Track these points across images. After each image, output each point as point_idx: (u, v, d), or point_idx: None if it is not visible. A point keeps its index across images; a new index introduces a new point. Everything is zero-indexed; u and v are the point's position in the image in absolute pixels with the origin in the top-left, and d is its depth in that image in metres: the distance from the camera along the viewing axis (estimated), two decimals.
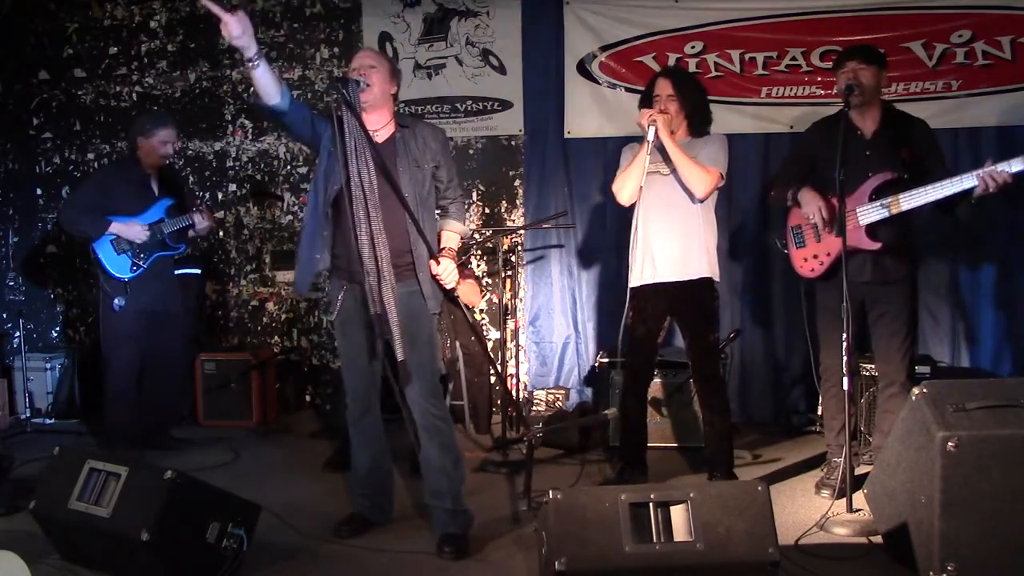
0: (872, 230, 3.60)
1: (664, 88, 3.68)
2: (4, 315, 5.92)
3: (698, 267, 3.65)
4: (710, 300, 3.70)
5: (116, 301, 4.40)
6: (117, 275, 4.41)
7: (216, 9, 2.79)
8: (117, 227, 4.41)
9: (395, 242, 3.11)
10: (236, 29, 2.80)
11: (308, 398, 5.73)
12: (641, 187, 3.59)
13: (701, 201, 3.63)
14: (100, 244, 4.41)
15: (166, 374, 4.67)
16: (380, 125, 3.18)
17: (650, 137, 3.57)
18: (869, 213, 3.58)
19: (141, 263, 4.45)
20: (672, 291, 3.67)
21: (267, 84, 2.96)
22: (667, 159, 3.61)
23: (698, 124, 3.72)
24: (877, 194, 3.58)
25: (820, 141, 3.76)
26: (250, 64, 2.89)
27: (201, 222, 4.62)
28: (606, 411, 4.09)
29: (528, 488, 3.56)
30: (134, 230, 4.43)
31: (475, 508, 3.33)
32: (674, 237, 3.65)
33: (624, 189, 3.69)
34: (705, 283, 3.67)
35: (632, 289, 3.71)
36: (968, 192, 3.40)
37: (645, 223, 3.65)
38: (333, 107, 3.01)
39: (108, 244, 4.41)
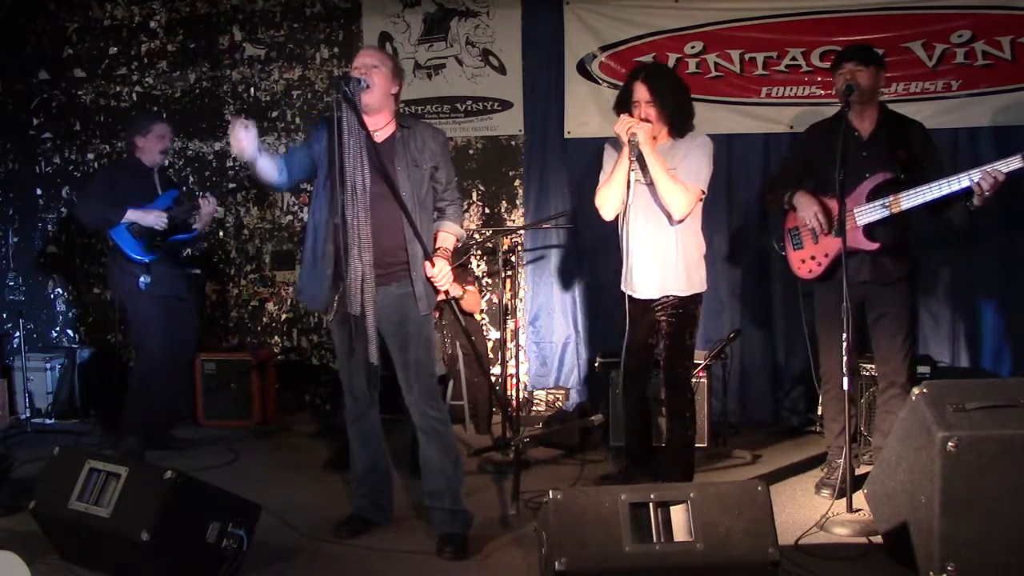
0: (870, 230, 3.60)
1: (641, 93, 3.47)
2: (4, 315, 5.92)
3: (675, 284, 3.53)
4: (692, 306, 3.59)
5: (142, 279, 4.42)
6: (138, 257, 4.45)
7: (237, 123, 3.06)
8: (134, 214, 4.44)
9: (390, 241, 3.12)
10: (247, 145, 3.07)
11: (308, 398, 5.72)
12: (628, 204, 3.48)
13: (679, 221, 3.50)
14: (117, 231, 4.44)
15: (169, 372, 4.65)
16: (381, 125, 3.18)
17: (632, 154, 3.42)
18: (867, 213, 3.58)
19: (160, 243, 4.49)
20: (652, 300, 3.61)
21: (267, 171, 3.20)
22: (643, 165, 3.46)
23: (679, 125, 3.54)
24: (874, 195, 3.58)
25: (817, 143, 3.77)
26: (251, 162, 3.13)
27: (206, 206, 4.62)
28: (592, 417, 4.10)
29: (516, 492, 3.55)
30: (151, 217, 4.46)
31: (474, 508, 3.33)
32: (653, 253, 3.53)
33: (606, 204, 3.56)
34: (687, 296, 3.57)
35: (622, 293, 3.65)
36: (964, 194, 3.40)
37: (627, 232, 3.55)
38: (334, 106, 3.03)
39: (124, 230, 4.44)
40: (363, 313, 3.08)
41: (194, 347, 5.10)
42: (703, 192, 3.52)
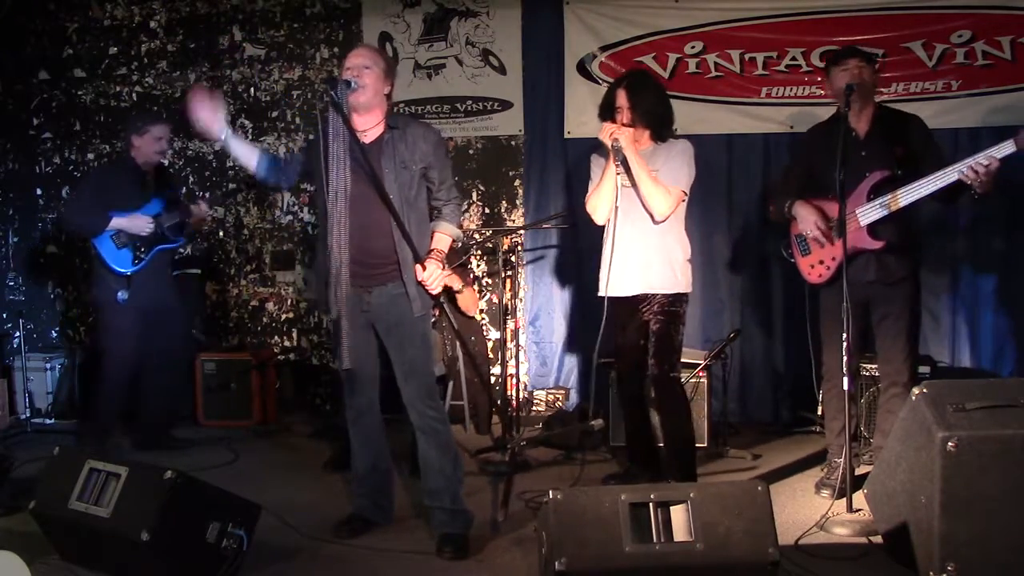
0: (873, 229, 3.60)
1: (623, 100, 3.58)
2: (4, 315, 5.92)
3: (660, 282, 3.58)
4: (678, 306, 3.62)
5: (120, 294, 4.40)
6: (119, 269, 4.42)
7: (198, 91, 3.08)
8: (119, 221, 4.41)
9: (381, 243, 3.12)
10: (209, 116, 3.10)
11: (308, 398, 5.72)
12: (618, 207, 3.55)
13: (661, 222, 3.57)
14: (100, 240, 4.42)
15: (168, 372, 4.68)
16: (371, 125, 3.17)
17: (617, 159, 3.51)
18: (869, 213, 3.58)
19: (143, 255, 4.47)
20: (638, 299, 3.64)
21: (242, 155, 3.26)
22: (627, 168, 3.55)
23: (659, 130, 3.63)
24: (875, 193, 3.58)
25: (816, 146, 3.77)
26: (217, 139, 3.15)
27: (198, 211, 4.60)
28: (592, 422, 4.10)
29: (507, 498, 3.54)
30: (138, 223, 4.43)
31: (474, 509, 3.33)
32: (637, 251, 3.59)
33: (598, 209, 3.65)
34: (672, 295, 3.61)
35: (604, 298, 3.64)
36: (967, 185, 3.40)
37: (613, 233, 3.60)
38: (319, 110, 3.04)
39: (108, 239, 4.42)
40: (339, 316, 3.10)
41: (184, 355, 5.07)
42: (684, 194, 3.60)
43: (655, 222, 3.57)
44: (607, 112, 3.67)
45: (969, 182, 3.33)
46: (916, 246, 3.76)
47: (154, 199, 4.56)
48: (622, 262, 3.61)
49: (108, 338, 4.53)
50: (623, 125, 3.55)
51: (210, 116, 3.08)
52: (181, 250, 5.83)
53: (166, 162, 4.85)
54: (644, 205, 3.55)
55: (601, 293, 3.63)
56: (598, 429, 4.18)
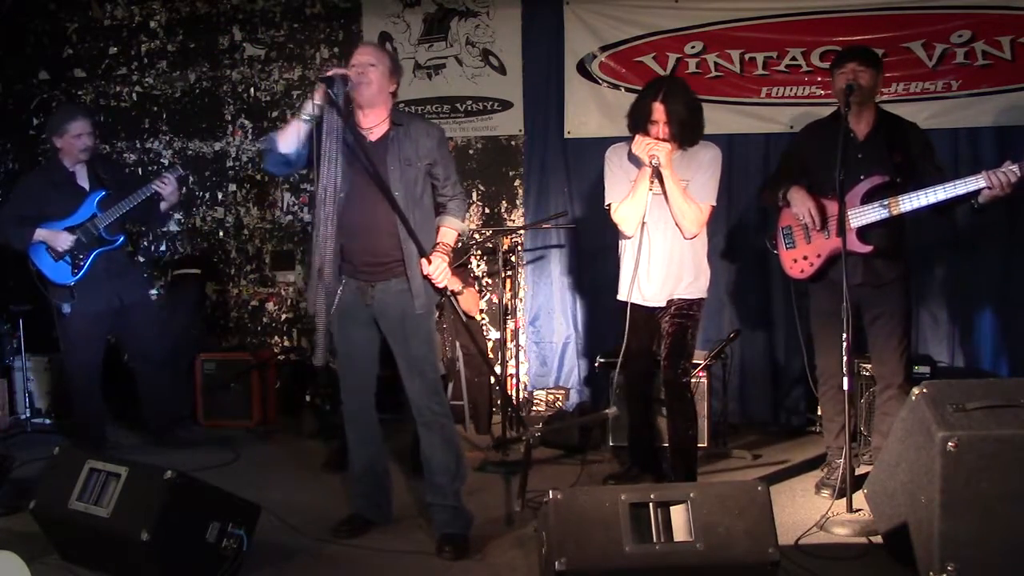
0: (863, 233, 3.58)
1: (660, 114, 3.47)
2: (4, 315, 5.91)
3: (683, 288, 3.59)
4: (696, 310, 3.62)
5: (64, 307, 4.35)
6: (60, 282, 4.37)
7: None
8: (42, 234, 4.33)
9: (385, 241, 3.13)
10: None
11: (308, 398, 5.70)
12: (646, 220, 3.54)
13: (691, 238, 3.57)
14: (37, 253, 4.35)
15: (154, 363, 4.63)
16: (375, 123, 3.18)
17: (653, 174, 3.48)
18: (862, 216, 3.57)
19: (82, 263, 4.38)
20: (659, 307, 3.64)
21: (295, 141, 3.07)
22: (660, 180, 3.51)
23: (689, 141, 3.56)
24: (869, 197, 3.57)
25: (812, 144, 3.76)
26: (305, 120, 3.03)
27: (165, 187, 4.38)
28: (606, 410, 4.09)
29: (523, 489, 3.55)
30: (59, 238, 4.32)
31: (475, 508, 3.33)
32: (666, 260, 3.57)
33: (629, 220, 3.58)
34: (692, 300, 3.61)
35: (621, 302, 3.65)
36: (969, 196, 3.39)
37: (640, 242, 3.57)
38: (317, 106, 3.03)
39: (44, 252, 4.35)
40: (316, 313, 3.12)
41: (183, 353, 5.02)
42: (712, 207, 3.60)
43: (684, 237, 3.57)
44: (639, 122, 3.56)
45: (993, 189, 3.29)
46: (904, 250, 3.74)
47: (87, 199, 4.44)
48: (650, 271, 3.59)
49: (64, 348, 4.50)
50: (659, 140, 3.48)
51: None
52: (181, 249, 5.85)
53: (91, 142, 4.49)
54: (675, 221, 3.54)
55: (623, 298, 3.62)
56: (612, 417, 4.16)
